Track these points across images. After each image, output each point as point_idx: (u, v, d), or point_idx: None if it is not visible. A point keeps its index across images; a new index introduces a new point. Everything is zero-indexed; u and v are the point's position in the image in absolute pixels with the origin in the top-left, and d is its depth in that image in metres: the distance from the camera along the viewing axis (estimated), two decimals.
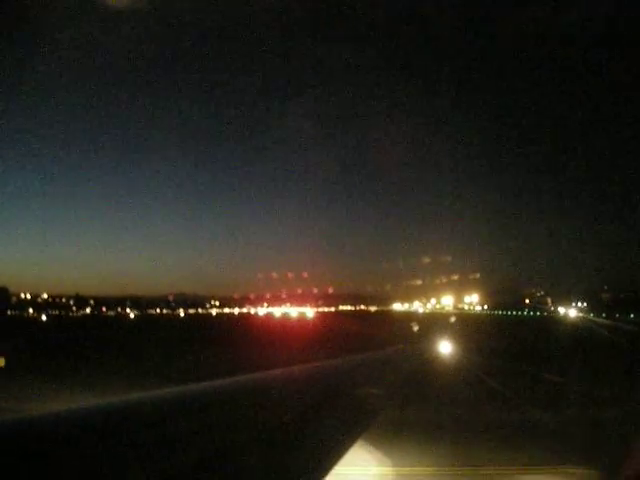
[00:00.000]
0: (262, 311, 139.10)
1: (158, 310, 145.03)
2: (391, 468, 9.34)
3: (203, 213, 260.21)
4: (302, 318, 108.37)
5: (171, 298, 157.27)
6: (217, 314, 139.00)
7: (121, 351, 34.90)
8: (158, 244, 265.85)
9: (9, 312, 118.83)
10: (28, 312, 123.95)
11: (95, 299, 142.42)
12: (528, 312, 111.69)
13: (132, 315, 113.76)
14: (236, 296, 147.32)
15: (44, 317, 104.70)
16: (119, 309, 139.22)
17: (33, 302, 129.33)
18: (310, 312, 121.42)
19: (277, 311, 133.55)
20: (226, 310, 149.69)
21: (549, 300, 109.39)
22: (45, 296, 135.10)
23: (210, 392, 2.90)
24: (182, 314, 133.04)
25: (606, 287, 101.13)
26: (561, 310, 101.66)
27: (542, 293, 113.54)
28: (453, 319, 72.83)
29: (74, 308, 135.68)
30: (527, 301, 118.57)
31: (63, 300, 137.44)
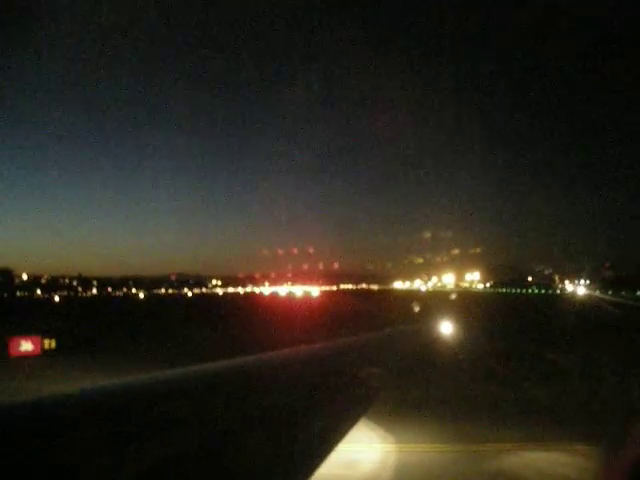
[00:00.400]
0: (266, 290, 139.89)
1: (163, 290, 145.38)
2: (393, 445, 9.61)
3: (200, 193, 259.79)
4: (308, 297, 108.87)
5: (173, 278, 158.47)
6: (224, 294, 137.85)
7: (169, 330, 34.08)
8: (157, 223, 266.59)
9: (17, 293, 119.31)
10: (36, 293, 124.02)
11: (97, 280, 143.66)
12: (537, 289, 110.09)
13: (142, 295, 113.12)
14: (241, 275, 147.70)
15: (57, 298, 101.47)
16: (125, 289, 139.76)
17: (36, 283, 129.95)
18: (314, 291, 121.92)
19: (280, 290, 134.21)
20: (229, 289, 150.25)
21: (557, 277, 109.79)
22: (46, 277, 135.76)
23: (212, 373, 2.95)
24: (190, 294, 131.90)
25: (608, 264, 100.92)
26: (569, 287, 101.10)
27: (550, 271, 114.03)
28: (454, 296, 72.09)
29: (80, 289, 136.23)
30: (530, 279, 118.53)
31: (66, 281, 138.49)
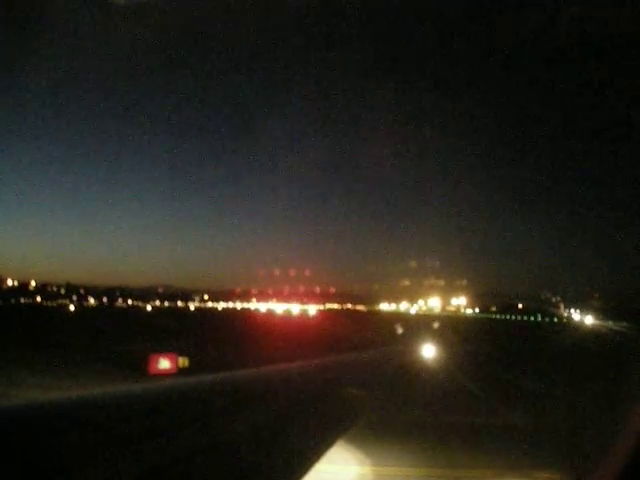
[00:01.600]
0: (251, 306, 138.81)
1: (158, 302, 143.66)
2: (370, 467, 9.30)
3: (189, 205, 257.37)
4: (294, 316, 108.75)
5: (160, 290, 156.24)
6: (223, 309, 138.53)
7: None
8: (142, 234, 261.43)
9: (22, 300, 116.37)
10: (36, 300, 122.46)
11: (85, 288, 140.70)
12: (542, 317, 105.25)
13: (149, 308, 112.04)
14: (238, 290, 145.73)
15: (72, 307, 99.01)
16: (129, 301, 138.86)
17: (22, 290, 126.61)
18: (299, 309, 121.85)
19: (266, 307, 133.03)
20: (218, 305, 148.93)
21: (561, 305, 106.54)
22: (33, 283, 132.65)
23: (194, 390, 2.92)
24: (192, 308, 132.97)
25: (597, 295, 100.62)
26: (575, 316, 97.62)
27: (558, 299, 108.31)
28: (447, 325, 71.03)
29: (74, 297, 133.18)
30: (520, 306, 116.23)
31: (54, 289, 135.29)
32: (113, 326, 57.07)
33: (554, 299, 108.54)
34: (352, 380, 5.53)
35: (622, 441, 2.89)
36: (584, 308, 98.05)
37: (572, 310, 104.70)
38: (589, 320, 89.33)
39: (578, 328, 75.37)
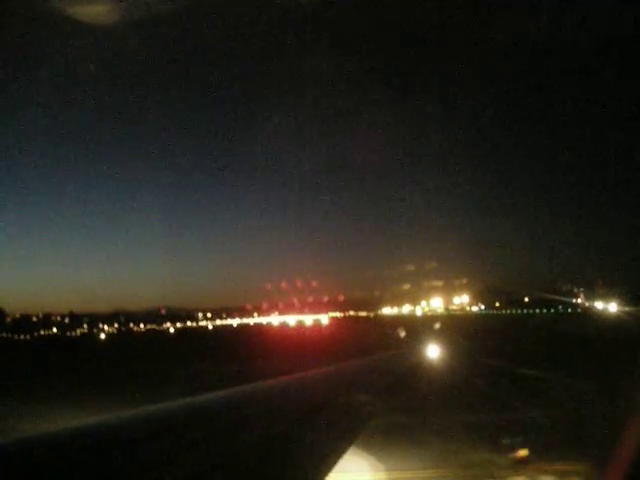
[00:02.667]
0: (256, 320, 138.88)
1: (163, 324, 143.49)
2: (384, 473, 9.41)
3: (184, 225, 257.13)
4: (304, 326, 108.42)
5: (163, 312, 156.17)
6: (238, 325, 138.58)
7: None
8: (140, 256, 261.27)
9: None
10: (54, 332, 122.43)
11: (88, 316, 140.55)
12: (565, 309, 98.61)
13: (172, 330, 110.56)
14: (248, 307, 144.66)
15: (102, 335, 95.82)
16: (141, 325, 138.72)
17: (26, 321, 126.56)
18: (302, 320, 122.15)
19: (272, 320, 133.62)
20: (219, 322, 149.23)
21: (582, 295, 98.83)
22: (39, 315, 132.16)
23: (205, 405, 2.94)
24: (210, 327, 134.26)
25: (601, 282, 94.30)
26: (598, 305, 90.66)
27: (579, 288, 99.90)
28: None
29: (85, 326, 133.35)
30: (526, 299, 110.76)
31: (58, 318, 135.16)
32: (165, 350, 56.07)
33: (574, 289, 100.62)
34: (360, 386, 5.64)
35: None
36: (603, 296, 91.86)
37: (591, 300, 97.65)
38: (613, 308, 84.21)
39: (611, 317, 72.08)
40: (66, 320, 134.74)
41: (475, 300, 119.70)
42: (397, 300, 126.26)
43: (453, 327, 53.69)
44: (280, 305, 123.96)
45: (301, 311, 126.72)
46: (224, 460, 2.21)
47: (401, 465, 9.57)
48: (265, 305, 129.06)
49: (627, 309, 78.36)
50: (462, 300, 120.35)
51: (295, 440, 2.90)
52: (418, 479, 9.17)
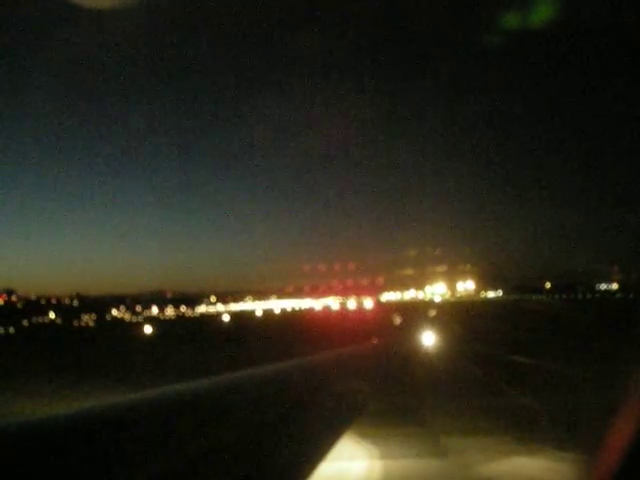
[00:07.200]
0: (253, 306, 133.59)
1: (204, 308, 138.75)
2: (379, 460, 9.26)
3: (182, 212, 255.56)
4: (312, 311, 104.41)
5: (169, 295, 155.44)
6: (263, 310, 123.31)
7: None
8: (145, 238, 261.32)
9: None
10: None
11: (94, 299, 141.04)
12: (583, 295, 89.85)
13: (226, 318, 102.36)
14: (265, 288, 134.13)
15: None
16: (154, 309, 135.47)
17: (37, 304, 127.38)
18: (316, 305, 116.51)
19: (272, 305, 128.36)
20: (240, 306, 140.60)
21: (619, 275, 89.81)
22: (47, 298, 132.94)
23: (194, 391, 2.91)
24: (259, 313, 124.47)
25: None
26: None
27: (614, 267, 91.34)
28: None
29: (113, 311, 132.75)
30: (548, 285, 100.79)
31: (66, 301, 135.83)
32: (220, 335, 53.28)
33: (607, 270, 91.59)
34: (355, 372, 5.64)
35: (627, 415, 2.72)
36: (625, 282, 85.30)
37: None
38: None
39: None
40: (74, 303, 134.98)
41: (489, 286, 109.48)
42: (401, 285, 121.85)
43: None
44: (275, 290, 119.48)
45: (338, 294, 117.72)
46: (214, 447, 2.23)
47: (394, 452, 9.41)
48: (262, 290, 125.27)
49: None
50: (466, 286, 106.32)
51: (288, 426, 2.91)
52: (411, 466, 8.99)
